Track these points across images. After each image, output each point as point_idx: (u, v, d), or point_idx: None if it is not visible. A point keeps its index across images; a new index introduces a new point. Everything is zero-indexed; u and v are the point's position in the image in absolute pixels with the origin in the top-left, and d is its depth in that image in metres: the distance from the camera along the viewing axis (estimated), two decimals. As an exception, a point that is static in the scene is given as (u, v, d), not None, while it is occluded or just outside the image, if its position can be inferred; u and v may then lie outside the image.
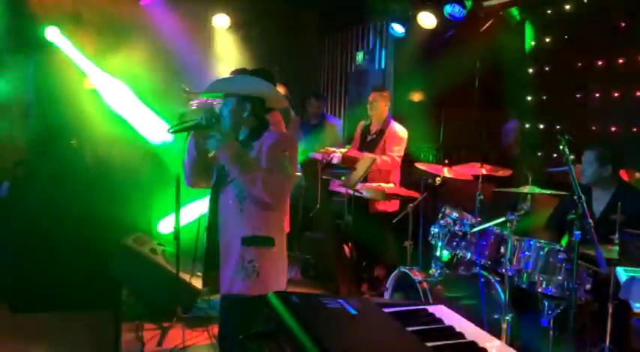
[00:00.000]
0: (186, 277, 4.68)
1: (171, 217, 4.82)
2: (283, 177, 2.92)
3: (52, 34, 6.13)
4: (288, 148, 2.97)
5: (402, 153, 5.48)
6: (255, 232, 2.96)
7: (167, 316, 4.59)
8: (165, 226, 5.74)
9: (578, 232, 3.19)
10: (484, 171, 4.59)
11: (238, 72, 4.73)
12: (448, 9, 5.74)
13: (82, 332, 4.59)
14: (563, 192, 3.92)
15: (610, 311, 3.30)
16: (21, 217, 4.99)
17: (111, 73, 6.14)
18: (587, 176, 3.90)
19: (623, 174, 4.21)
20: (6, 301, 5.02)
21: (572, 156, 3.31)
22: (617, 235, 3.35)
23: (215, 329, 4.53)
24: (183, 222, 4.68)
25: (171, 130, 3.07)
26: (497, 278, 4.04)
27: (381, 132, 5.51)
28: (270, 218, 3.01)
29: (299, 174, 5.29)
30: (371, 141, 5.56)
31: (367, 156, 5.12)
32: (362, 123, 5.81)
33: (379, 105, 5.51)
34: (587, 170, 3.92)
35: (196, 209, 5.75)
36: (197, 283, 4.92)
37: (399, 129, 5.50)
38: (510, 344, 3.69)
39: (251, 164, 2.88)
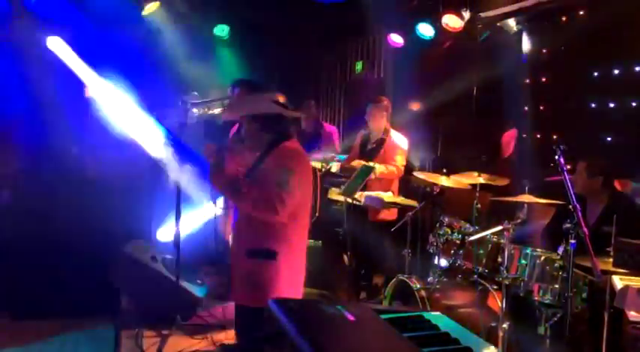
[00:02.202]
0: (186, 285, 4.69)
1: (172, 225, 4.85)
2: (277, 191, 2.92)
3: (53, 43, 6.17)
4: (289, 163, 3.00)
5: (404, 162, 5.50)
6: (258, 245, 3.00)
7: (167, 323, 4.60)
8: (165, 234, 5.76)
9: (573, 241, 3.23)
10: (481, 180, 4.63)
11: (237, 82, 4.80)
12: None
13: (81, 339, 4.60)
14: (559, 202, 3.95)
15: (606, 319, 3.32)
16: (21, 225, 5.00)
17: (111, 81, 6.17)
18: (578, 187, 3.94)
19: (618, 184, 4.24)
20: (6, 308, 5.04)
21: (567, 166, 3.35)
22: (611, 246, 3.38)
23: (215, 337, 4.56)
24: (183, 230, 4.70)
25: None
26: (495, 287, 4.07)
27: (381, 142, 5.52)
28: (276, 231, 3.00)
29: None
30: (371, 151, 5.57)
31: (364, 164, 5.15)
32: (362, 132, 5.82)
33: (378, 116, 5.52)
34: (577, 181, 3.97)
35: (196, 217, 5.80)
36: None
37: (399, 139, 5.52)
38: (507, 351, 3.71)
39: (235, 189, 3.01)
